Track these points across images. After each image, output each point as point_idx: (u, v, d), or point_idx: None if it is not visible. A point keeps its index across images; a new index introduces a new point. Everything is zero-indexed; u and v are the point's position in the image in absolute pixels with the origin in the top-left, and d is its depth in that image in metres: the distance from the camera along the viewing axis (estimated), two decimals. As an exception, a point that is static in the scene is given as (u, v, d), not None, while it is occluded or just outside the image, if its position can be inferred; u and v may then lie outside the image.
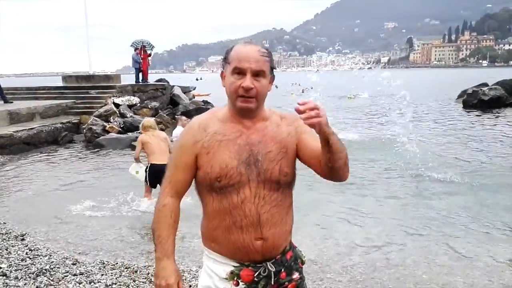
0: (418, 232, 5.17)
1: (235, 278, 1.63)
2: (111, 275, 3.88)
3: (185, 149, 1.63)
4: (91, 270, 3.99)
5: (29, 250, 4.50)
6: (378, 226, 5.37)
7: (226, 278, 1.63)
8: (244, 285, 1.63)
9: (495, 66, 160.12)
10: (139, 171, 6.41)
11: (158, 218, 1.65)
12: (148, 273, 3.92)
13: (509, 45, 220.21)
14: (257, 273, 1.63)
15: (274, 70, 1.65)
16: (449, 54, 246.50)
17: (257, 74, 1.55)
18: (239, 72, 1.54)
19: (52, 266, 4.07)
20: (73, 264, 4.15)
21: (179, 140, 1.68)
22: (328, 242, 4.85)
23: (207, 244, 1.70)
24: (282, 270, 1.68)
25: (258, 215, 1.58)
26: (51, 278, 3.82)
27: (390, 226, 5.36)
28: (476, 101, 18.32)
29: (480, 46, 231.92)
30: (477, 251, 4.56)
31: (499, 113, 16.81)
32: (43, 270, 3.97)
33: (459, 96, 22.58)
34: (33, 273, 3.91)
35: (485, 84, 21.17)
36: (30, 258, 4.27)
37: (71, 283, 3.74)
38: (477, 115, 16.59)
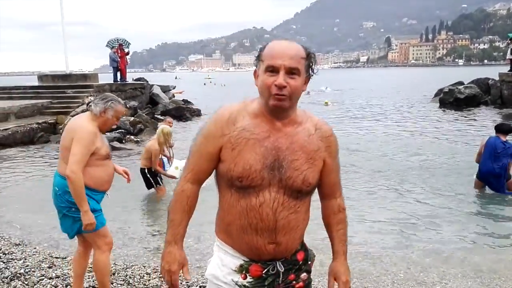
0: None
1: (244, 272, 1.64)
2: (88, 278, 3.80)
3: (211, 139, 1.59)
4: (68, 273, 3.91)
5: (3, 254, 4.38)
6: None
7: (235, 270, 1.65)
8: (252, 279, 1.64)
9: (471, 65, 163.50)
10: (179, 166, 6.50)
11: (175, 202, 1.67)
12: (126, 275, 3.87)
13: (484, 45, 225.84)
14: (265, 270, 1.64)
15: (312, 71, 1.57)
16: (426, 53, 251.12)
17: (291, 71, 1.48)
18: (272, 69, 1.48)
19: (27, 270, 3.96)
20: (49, 267, 4.06)
21: (206, 128, 1.63)
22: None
23: (220, 235, 1.71)
24: (292, 271, 1.69)
25: (275, 220, 1.57)
26: (26, 282, 3.72)
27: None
28: (452, 99, 18.68)
29: (456, 46, 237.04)
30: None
31: (474, 112, 17.20)
32: (18, 274, 3.87)
33: (436, 95, 23.01)
34: (6, 278, 3.80)
35: (461, 83, 21.61)
36: (4, 262, 4.15)
37: (46, 286, 3.66)
38: (451, 114, 16.94)
